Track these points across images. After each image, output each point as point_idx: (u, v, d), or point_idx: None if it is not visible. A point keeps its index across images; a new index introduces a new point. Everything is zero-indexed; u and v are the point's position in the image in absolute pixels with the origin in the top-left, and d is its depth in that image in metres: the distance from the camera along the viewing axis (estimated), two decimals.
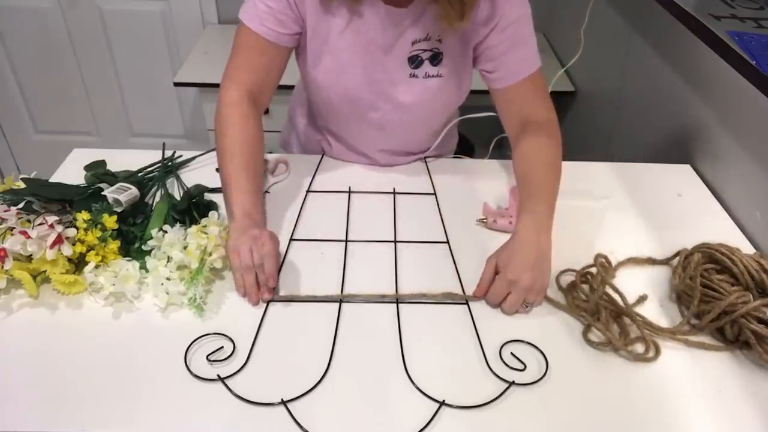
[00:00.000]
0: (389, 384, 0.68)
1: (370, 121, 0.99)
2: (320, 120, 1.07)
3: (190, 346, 0.70)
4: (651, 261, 0.87)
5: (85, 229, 0.77)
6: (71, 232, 0.77)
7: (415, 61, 0.92)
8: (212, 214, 0.84)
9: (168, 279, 0.76)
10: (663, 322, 0.77)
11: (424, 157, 1.09)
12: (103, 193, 0.86)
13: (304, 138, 1.15)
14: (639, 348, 0.73)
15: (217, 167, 1.02)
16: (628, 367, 0.71)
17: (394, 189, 1.00)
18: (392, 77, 0.94)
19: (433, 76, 0.94)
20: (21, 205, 0.84)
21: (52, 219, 0.77)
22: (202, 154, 1.06)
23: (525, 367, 0.70)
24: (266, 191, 0.98)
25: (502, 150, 1.17)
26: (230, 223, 0.81)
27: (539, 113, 0.94)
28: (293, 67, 1.01)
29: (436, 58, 0.92)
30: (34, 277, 0.77)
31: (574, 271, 0.83)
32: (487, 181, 1.03)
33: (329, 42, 0.90)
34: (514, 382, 0.68)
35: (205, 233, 0.80)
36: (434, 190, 1.01)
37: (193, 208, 0.88)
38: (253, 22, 0.88)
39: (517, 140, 0.94)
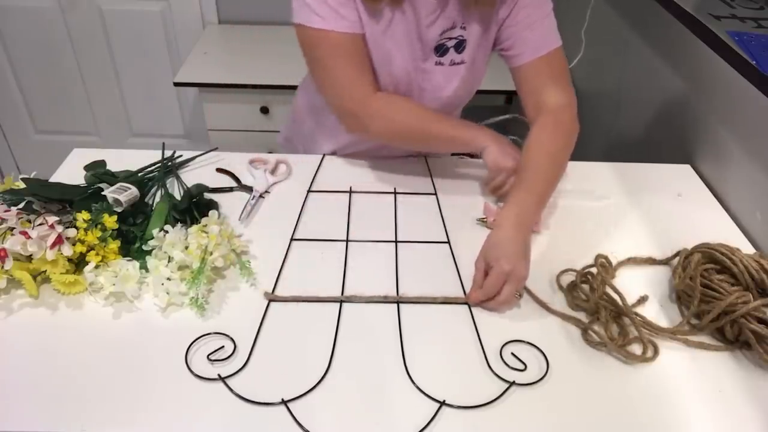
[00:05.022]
0: (390, 384, 0.68)
1: None
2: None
3: (190, 345, 0.70)
4: (651, 261, 0.87)
5: (85, 229, 0.77)
6: (71, 232, 0.77)
7: (440, 50, 0.93)
8: (212, 213, 0.84)
9: (168, 279, 0.76)
10: (663, 322, 0.77)
11: (425, 156, 1.09)
12: (103, 193, 0.86)
13: (309, 140, 1.15)
14: (637, 348, 0.73)
15: (217, 167, 1.03)
16: (628, 367, 0.71)
17: (395, 189, 1.00)
18: (422, 66, 0.95)
19: (457, 63, 0.95)
20: (21, 205, 0.84)
21: (52, 219, 0.77)
22: (202, 154, 1.06)
23: (525, 367, 0.70)
24: (266, 191, 0.98)
25: None
26: (483, 147, 0.92)
27: (554, 96, 0.93)
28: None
29: (460, 46, 0.93)
30: (34, 277, 0.77)
31: (574, 271, 0.83)
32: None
33: (370, 35, 0.90)
34: (514, 382, 0.68)
35: (206, 233, 0.80)
36: (435, 189, 1.01)
37: (193, 207, 0.88)
38: (336, 23, 0.85)
39: (531, 125, 0.94)
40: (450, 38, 0.93)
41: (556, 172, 0.89)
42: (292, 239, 0.88)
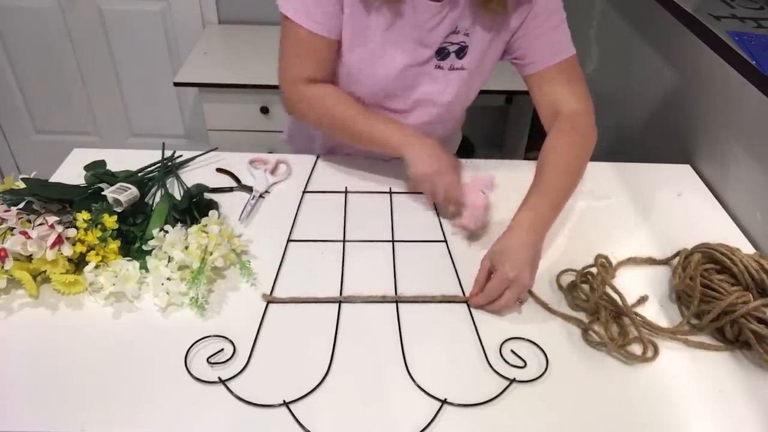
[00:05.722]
0: (390, 383, 0.68)
1: (388, 107, 1.00)
2: None
3: (190, 348, 0.70)
4: (651, 261, 0.87)
5: (85, 229, 0.77)
6: (71, 232, 0.77)
7: (442, 53, 0.93)
8: (212, 213, 0.84)
9: (168, 279, 0.76)
10: (663, 322, 0.77)
11: None
12: (103, 193, 0.86)
13: (307, 137, 1.15)
14: (637, 348, 0.73)
15: (217, 167, 1.03)
16: (628, 365, 0.71)
17: (390, 189, 1.00)
18: (421, 68, 0.95)
19: (457, 68, 0.95)
20: (21, 205, 0.84)
21: (52, 219, 0.77)
22: (202, 154, 1.06)
23: (525, 364, 0.70)
24: (266, 191, 0.98)
25: (504, 149, 1.17)
26: (402, 150, 0.89)
27: (570, 103, 0.92)
28: None
29: (462, 51, 0.93)
30: (34, 277, 0.77)
31: (574, 271, 0.83)
32: None
33: (365, 33, 0.90)
34: (515, 379, 0.68)
35: (206, 233, 0.80)
36: None
37: (193, 207, 0.88)
38: (302, 19, 0.87)
39: (547, 133, 0.93)
40: (452, 43, 0.92)
41: (573, 180, 0.87)
42: (288, 240, 0.88)
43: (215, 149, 1.07)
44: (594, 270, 0.81)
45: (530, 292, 0.80)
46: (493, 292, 0.76)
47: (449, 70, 0.95)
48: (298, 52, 0.92)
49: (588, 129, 0.92)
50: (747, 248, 0.91)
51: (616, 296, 0.76)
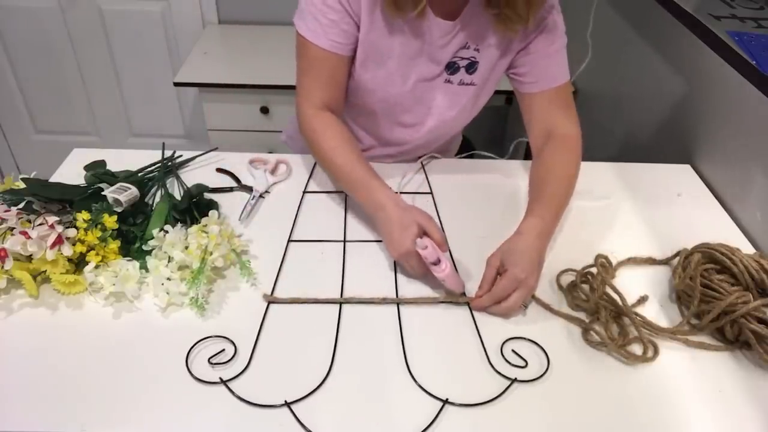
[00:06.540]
0: (392, 383, 0.68)
1: (400, 122, 1.02)
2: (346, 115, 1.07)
3: (191, 349, 0.70)
4: (651, 261, 0.87)
5: (85, 229, 0.77)
6: (71, 232, 0.77)
7: (452, 68, 0.94)
8: (212, 213, 0.84)
9: (168, 279, 0.76)
10: (663, 322, 0.77)
11: (419, 158, 1.09)
12: (103, 193, 0.86)
13: None
14: (637, 348, 0.73)
15: (217, 167, 1.03)
16: (628, 365, 0.71)
17: (390, 189, 1.00)
18: (431, 83, 0.96)
19: (467, 84, 0.96)
20: (21, 205, 0.84)
21: (52, 219, 0.77)
22: (202, 154, 1.06)
23: (526, 364, 0.70)
24: (266, 191, 0.98)
25: (504, 149, 1.17)
26: (379, 214, 0.83)
27: (564, 126, 0.95)
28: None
29: (472, 67, 0.94)
30: (34, 277, 0.76)
31: (574, 271, 0.83)
32: (482, 180, 1.04)
33: (384, 51, 0.91)
34: (516, 379, 0.68)
35: (206, 232, 0.80)
36: (431, 189, 1.01)
37: (193, 207, 0.88)
38: (318, 38, 0.88)
39: (540, 150, 0.96)
40: (462, 58, 0.93)
41: (569, 196, 0.91)
42: (289, 240, 0.88)
43: (215, 149, 1.07)
44: (594, 270, 0.81)
45: (532, 296, 0.80)
46: (502, 292, 0.76)
47: (459, 85, 0.96)
48: (315, 73, 0.92)
49: (580, 152, 0.96)
50: (747, 248, 0.91)
51: (616, 296, 0.76)
